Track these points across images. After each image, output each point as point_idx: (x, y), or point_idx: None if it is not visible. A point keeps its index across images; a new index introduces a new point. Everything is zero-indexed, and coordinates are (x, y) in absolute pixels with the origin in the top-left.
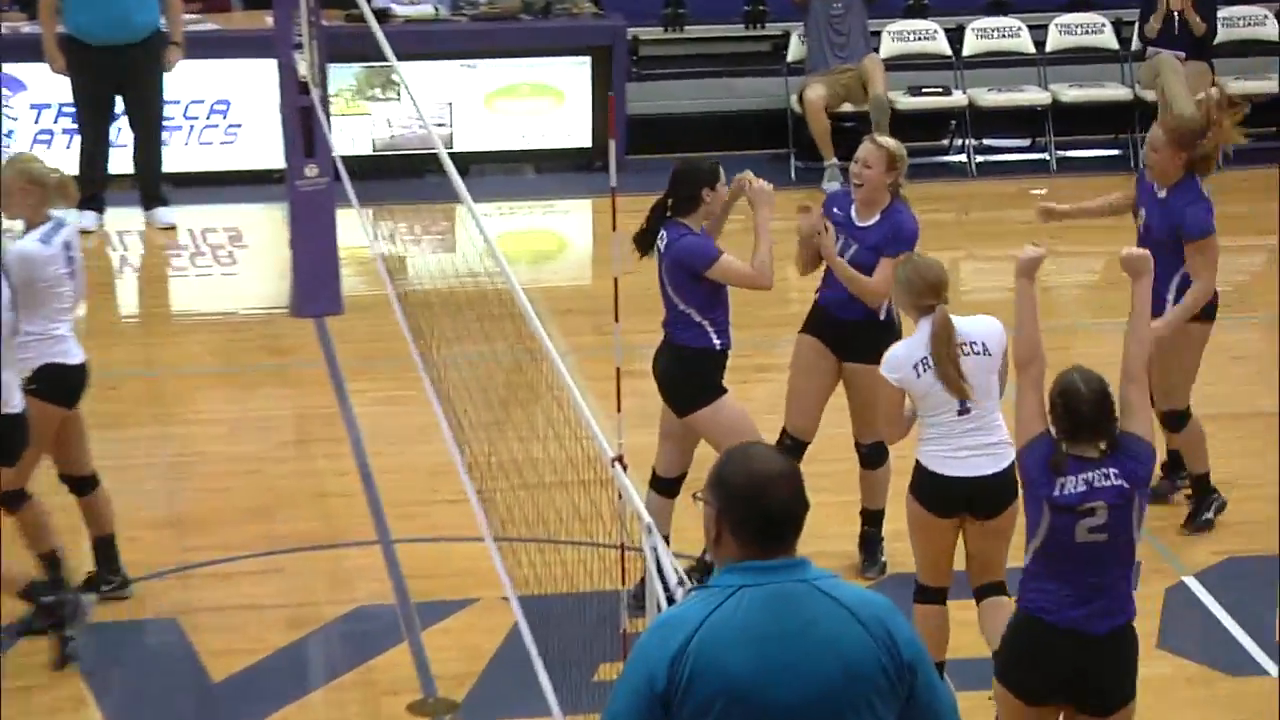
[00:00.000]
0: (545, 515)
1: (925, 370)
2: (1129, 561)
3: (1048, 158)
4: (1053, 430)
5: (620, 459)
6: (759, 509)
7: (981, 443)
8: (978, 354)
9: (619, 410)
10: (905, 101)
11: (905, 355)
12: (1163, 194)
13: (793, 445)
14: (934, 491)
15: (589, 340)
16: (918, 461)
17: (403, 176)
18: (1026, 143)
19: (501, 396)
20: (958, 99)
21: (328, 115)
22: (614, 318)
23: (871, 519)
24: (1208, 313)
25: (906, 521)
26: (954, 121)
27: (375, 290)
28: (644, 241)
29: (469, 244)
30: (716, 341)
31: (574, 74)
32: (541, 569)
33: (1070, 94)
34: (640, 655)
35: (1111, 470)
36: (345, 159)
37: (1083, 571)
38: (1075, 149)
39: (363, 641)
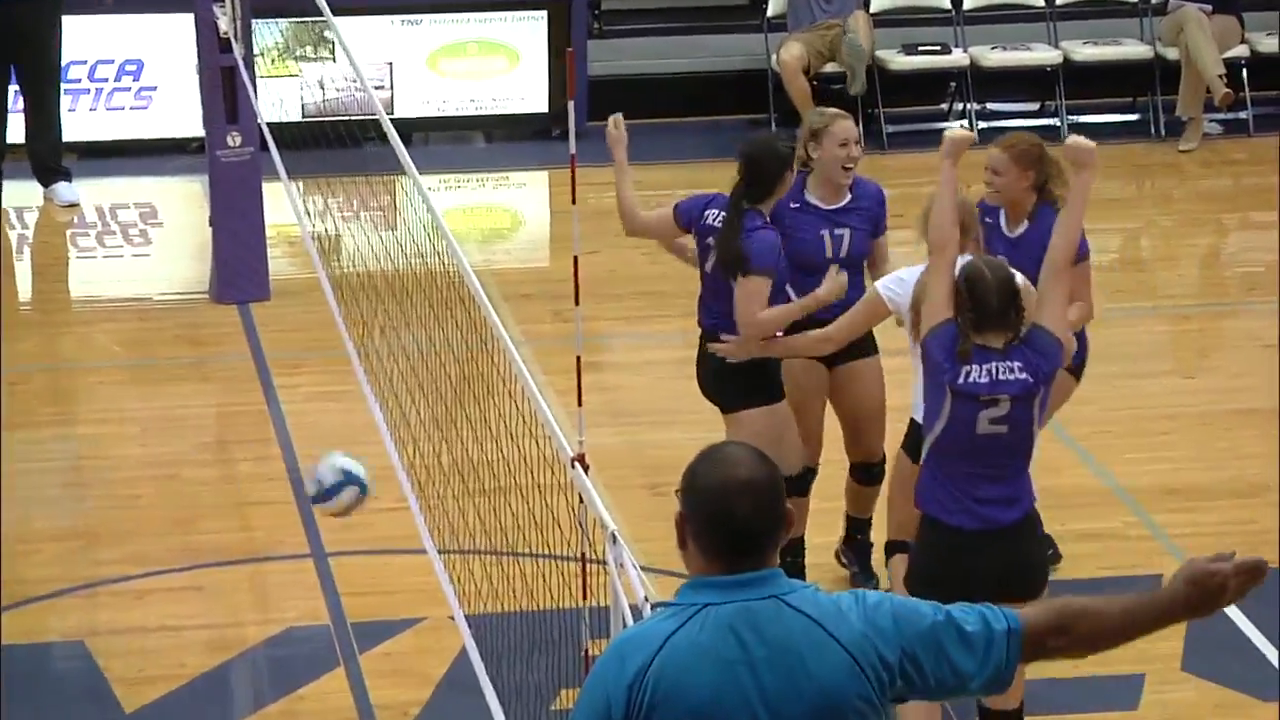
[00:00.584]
0: (499, 524)
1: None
2: (1028, 453)
3: (1058, 123)
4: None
5: (581, 459)
6: (721, 521)
7: None
8: None
9: (580, 405)
10: (899, 61)
11: (913, 280)
12: (1017, 232)
13: (804, 473)
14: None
15: (547, 328)
16: (914, 419)
17: (337, 146)
18: (1035, 107)
19: (449, 391)
20: (958, 58)
21: (252, 77)
22: (574, 302)
23: (861, 528)
24: (1074, 367)
25: (891, 480)
26: (953, 83)
27: (306, 273)
28: (734, 249)
29: (412, 221)
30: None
31: (528, 31)
32: (494, 584)
33: (1084, 52)
34: (597, 679)
35: (1016, 363)
36: (272, 126)
37: (981, 464)
38: (1089, 114)
39: (293, 667)
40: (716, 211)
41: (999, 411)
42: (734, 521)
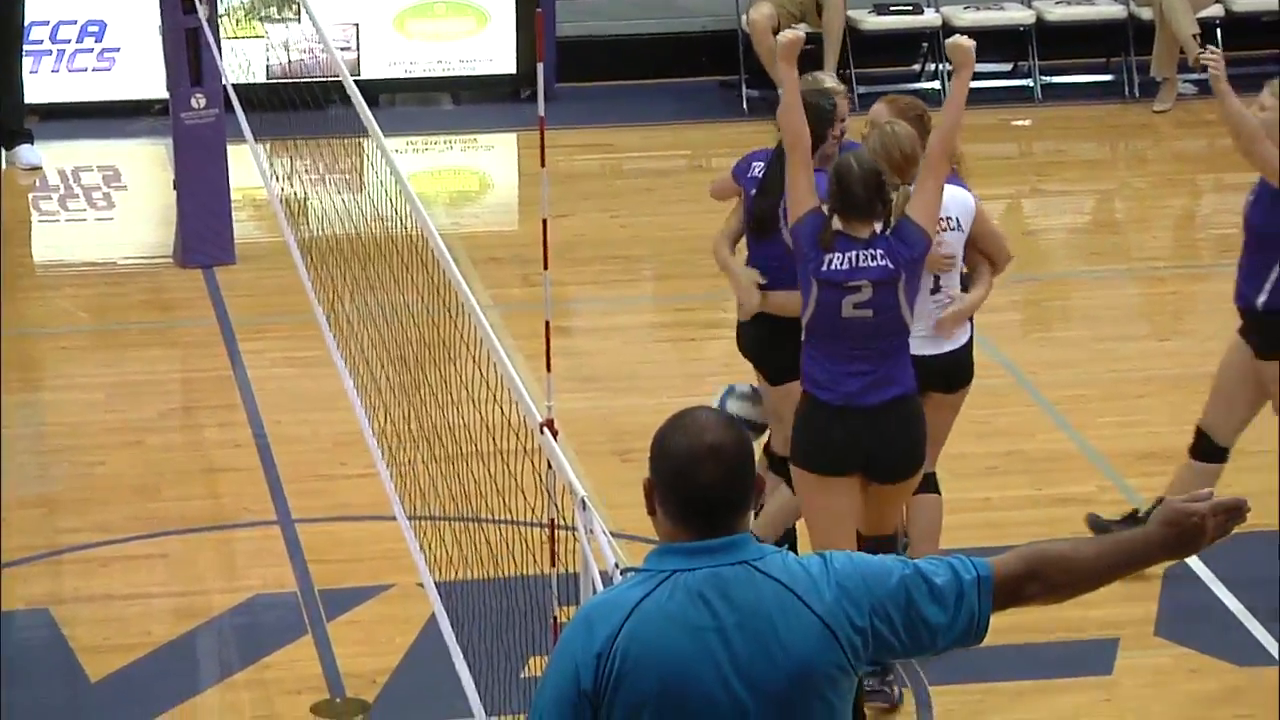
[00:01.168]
0: (467, 490)
1: None
2: (900, 333)
3: (1031, 84)
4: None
5: (550, 424)
6: (686, 487)
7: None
8: (952, 229)
9: (549, 371)
10: (870, 21)
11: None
12: None
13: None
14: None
15: (515, 292)
16: None
17: (303, 108)
18: (1008, 67)
19: (416, 356)
20: (929, 18)
21: (217, 38)
22: (543, 266)
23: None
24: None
25: None
26: (925, 44)
27: (272, 237)
28: (770, 212)
29: (378, 184)
30: None
31: None
32: (463, 550)
33: (1057, 12)
34: (565, 647)
35: (879, 251)
36: (237, 88)
37: (852, 346)
38: (1063, 74)
39: (260, 634)
40: (761, 164)
41: (861, 297)
42: (700, 488)
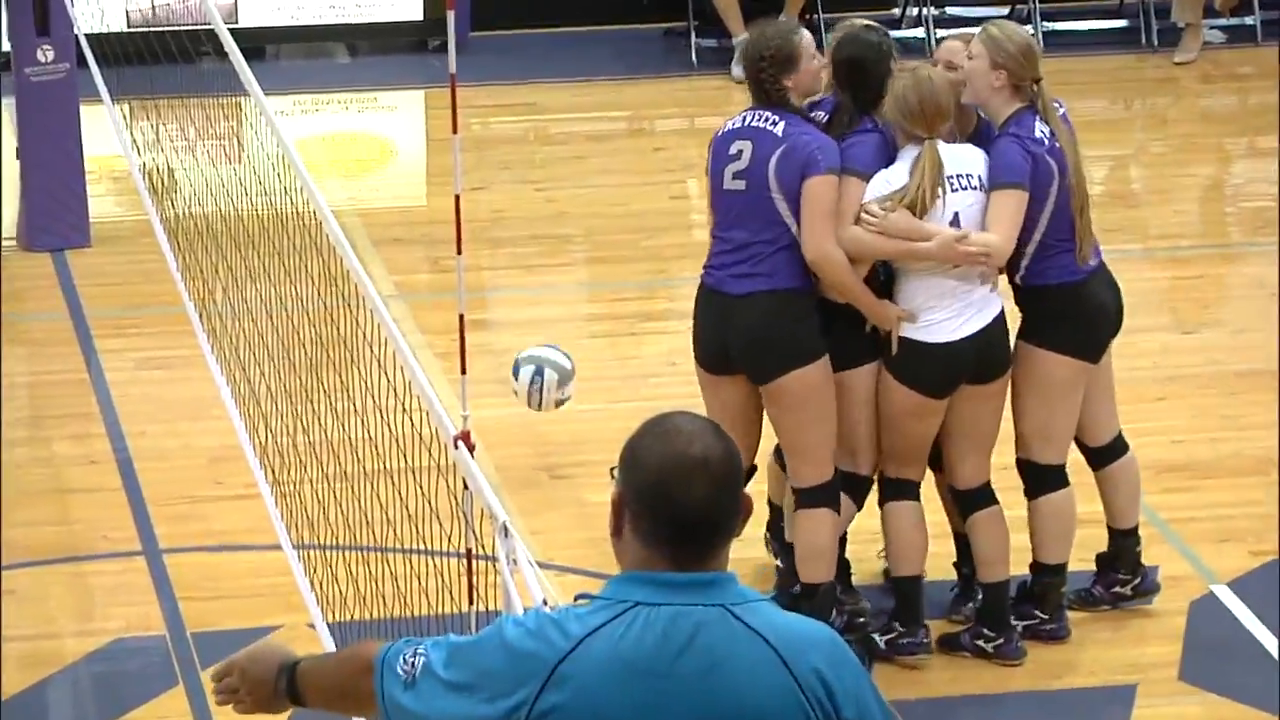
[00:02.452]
0: (368, 514)
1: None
2: (775, 223)
3: (1032, 30)
4: None
5: (465, 437)
6: (668, 505)
7: (971, 296)
8: (974, 188)
9: (463, 373)
10: None
11: (885, 183)
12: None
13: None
14: (933, 367)
15: (423, 279)
16: (903, 339)
17: (169, 62)
18: (1004, 12)
19: (308, 357)
20: None
21: None
22: (456, 249)
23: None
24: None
25: (887, 410)
26: None
27: (134, 215)
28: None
29: (260, 152)
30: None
31: None
32: (361, 586)
33: None
34: (485, 668)
35: (780, 120)
36: (91, 39)
37: (727, 227)
38: (1068, 19)
39: (123, 685)
40: (823, 115)
41: (740, 165)
42: (684, 507)
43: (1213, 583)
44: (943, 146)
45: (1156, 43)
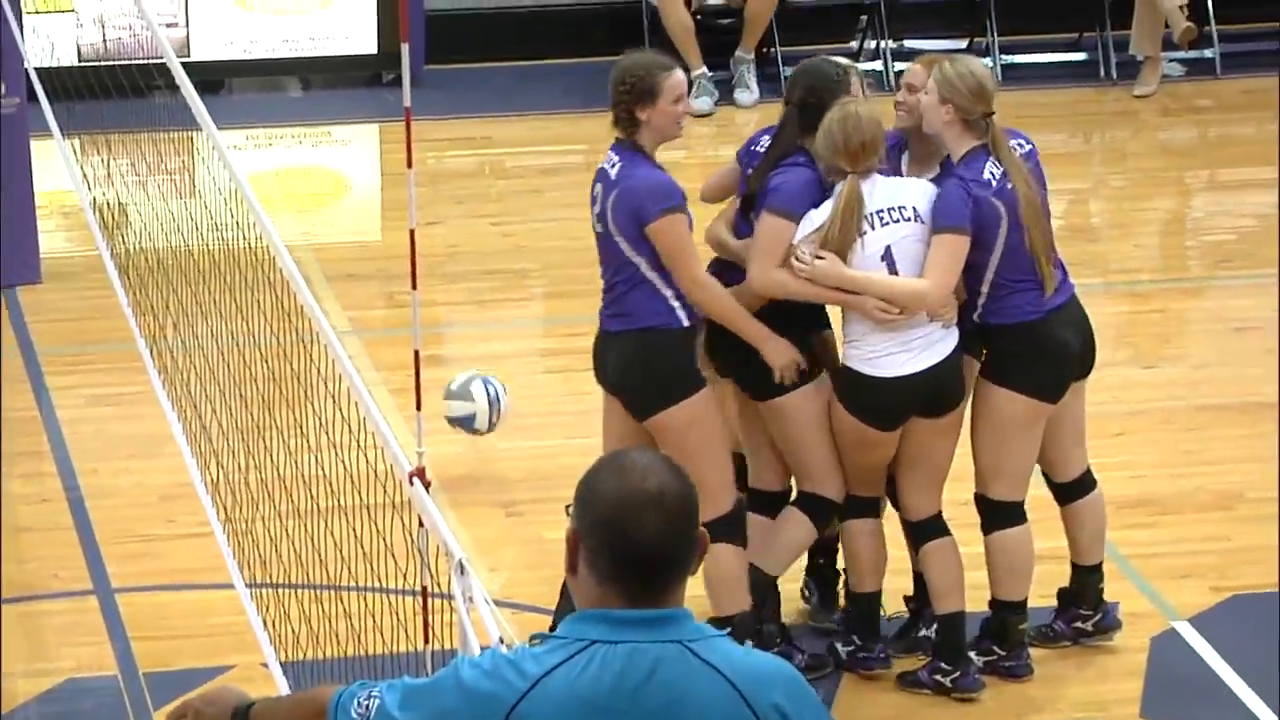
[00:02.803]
0: (321, 552)
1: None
2: (625, 264)
3: (990, 63)
4: None
5: (421, 473)
6: (620, 540)
7: (919, 331)
8: (907, 220)
9: (419, 409)
10: None
11: (809, 222)
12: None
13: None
14: (879, 400)
15: (378, 315)
16: (851, 370)
17: (121, 96)
18: (962, 45)
19: (261, 393)
20: None
21: (17, 11)
22: (410, 284)
23: (826, 551)
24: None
25: (839, 437)
26: (864, 16)
27: (85, 250)
28: (764, 179)
29: (212, 187)
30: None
31: None
32: (315, 625)
33: None
34: (441, 709)
35: (621, 158)
36: (41, 73)
37: (602, 267)
38: (1027, 52)
39: None
40: (768, 139)
41: (596, 209)
42: (638, 543)
43: (1174, 619)
44: (878, 180)
45: (1115, 76)
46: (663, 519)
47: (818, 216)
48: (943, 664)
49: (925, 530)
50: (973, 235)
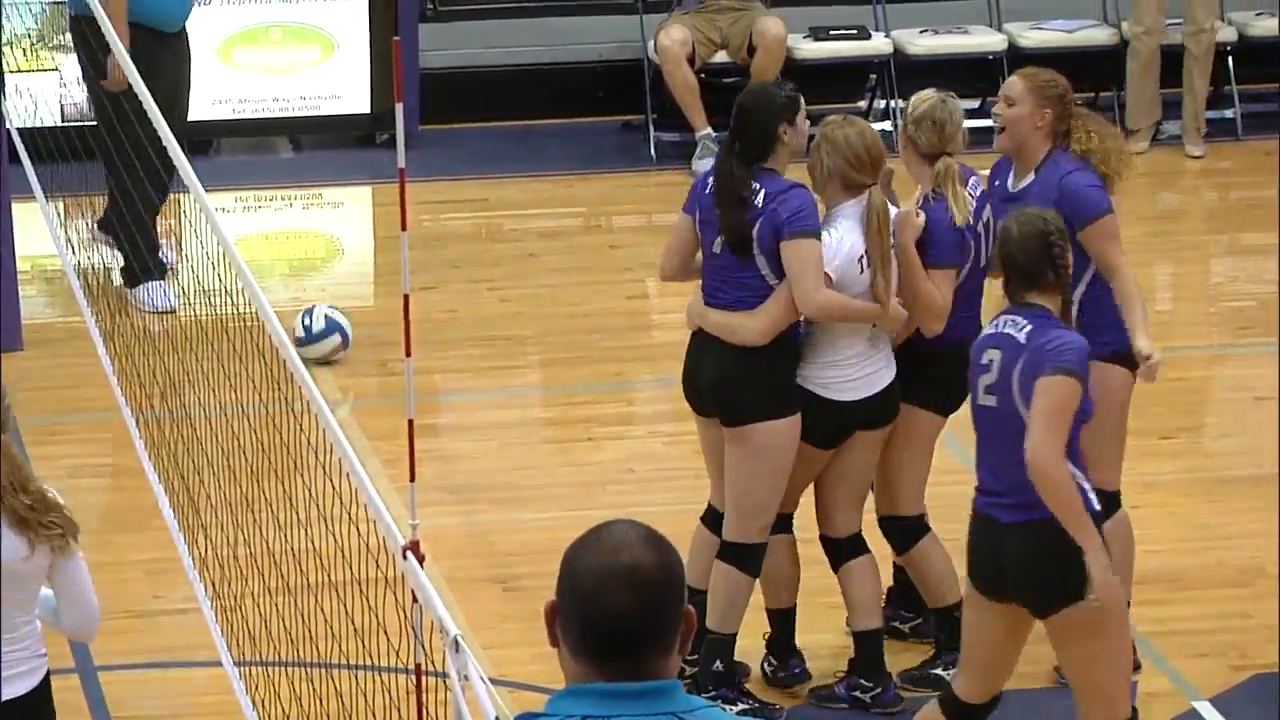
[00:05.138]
0: (312, 629)
1: (868, 268)
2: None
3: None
4: None
5: (415, 547)
6: (590, 614)
7: (879, 356)
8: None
9: (412, 480)
10: (807, 48)
11: (853, 246)
12: (1021, 185)
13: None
14: (827, 422)
15: (370, 383)
16: (805, 390)
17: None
18: (974, 105)
19: (250, 465)
20: (878, 44)
21: None
22: (404, 351)
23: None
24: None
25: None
26: (873, 76)
27: (68, 317)
28: (737, 219)
29: (200, 251)
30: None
31: (346, 13)
32: (305, 704)
33: (1033, 37)
34: None
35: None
36: (24, 133)
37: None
38: None
39: None
40: (715, 180)
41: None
42: (608, 617)
43: (1194, 699)
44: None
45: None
46: (631, 593)
47: (839, 237)
48: (862, 680)
49: (846, 548)
50: None
